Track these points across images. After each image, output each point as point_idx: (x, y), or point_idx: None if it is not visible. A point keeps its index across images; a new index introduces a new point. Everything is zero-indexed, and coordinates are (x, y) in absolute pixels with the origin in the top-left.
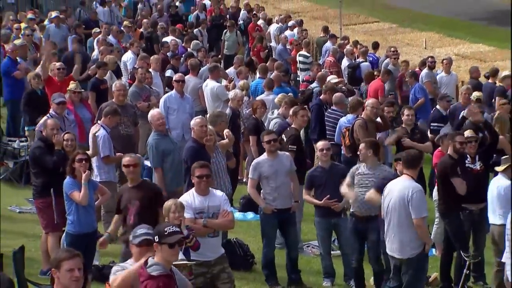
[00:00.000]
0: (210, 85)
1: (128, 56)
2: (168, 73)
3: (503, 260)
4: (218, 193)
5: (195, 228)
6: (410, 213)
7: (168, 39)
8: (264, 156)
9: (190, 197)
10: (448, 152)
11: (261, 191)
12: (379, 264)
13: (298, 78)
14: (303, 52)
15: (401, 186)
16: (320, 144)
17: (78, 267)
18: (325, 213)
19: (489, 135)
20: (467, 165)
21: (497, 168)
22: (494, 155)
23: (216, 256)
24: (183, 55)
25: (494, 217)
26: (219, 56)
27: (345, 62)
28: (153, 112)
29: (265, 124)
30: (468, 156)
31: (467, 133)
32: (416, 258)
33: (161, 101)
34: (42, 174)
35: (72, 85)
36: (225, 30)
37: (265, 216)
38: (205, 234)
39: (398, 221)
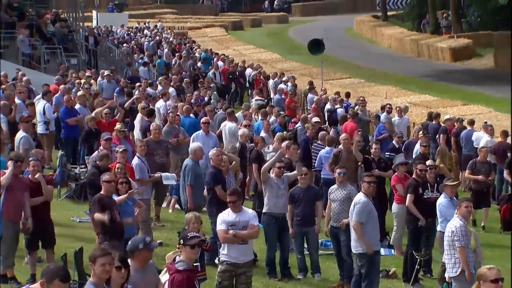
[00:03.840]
0: (228, 125)
1: (160, 104)
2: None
3: (442, 260)
4: (250, 211)
5: (227, 237)
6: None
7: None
8: (272, 174)
9: (225, 214)
10: (413, 176)
11: (265, 197)
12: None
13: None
14: None
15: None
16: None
17: (109, 262)
18: (299, 224)
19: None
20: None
21: (440, 188)
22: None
23: (246, 260)
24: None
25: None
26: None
27: (327, 107)
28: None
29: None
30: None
31: (428, 162)
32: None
33: (191, 138)
34: (96, 194)
35: (118, 126)
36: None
37: (268, 224)
38: (234, 242)
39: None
